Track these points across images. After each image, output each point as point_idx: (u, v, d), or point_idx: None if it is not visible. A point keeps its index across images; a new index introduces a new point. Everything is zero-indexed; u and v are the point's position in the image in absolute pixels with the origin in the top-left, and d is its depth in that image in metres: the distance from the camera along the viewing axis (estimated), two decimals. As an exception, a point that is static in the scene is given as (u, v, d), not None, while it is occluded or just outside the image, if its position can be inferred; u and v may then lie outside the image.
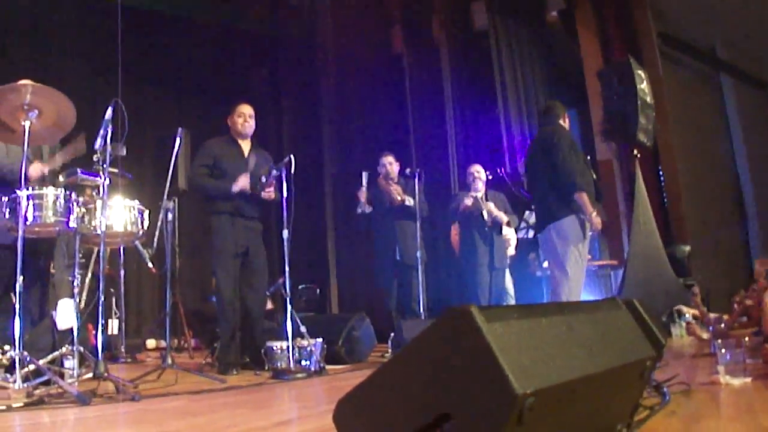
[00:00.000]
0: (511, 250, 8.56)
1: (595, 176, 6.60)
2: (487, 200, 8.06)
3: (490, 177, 8.21)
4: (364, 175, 7.84)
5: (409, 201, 7.61)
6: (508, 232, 8.45)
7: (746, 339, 4.61)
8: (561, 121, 6.57)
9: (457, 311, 1.50)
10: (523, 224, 8.70)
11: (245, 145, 6.51)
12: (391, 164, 7.90)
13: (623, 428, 2.19)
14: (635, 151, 8.98)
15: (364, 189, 7.82)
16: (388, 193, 7.75)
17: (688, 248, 9.30)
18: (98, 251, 7.40)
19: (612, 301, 2.25)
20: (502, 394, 1.38)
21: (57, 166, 5.52)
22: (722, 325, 5.99)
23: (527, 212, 8.80)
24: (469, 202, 7.95)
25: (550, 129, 6.52)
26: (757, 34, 12.61)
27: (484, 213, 7.98)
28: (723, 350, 3.80)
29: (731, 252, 10.32)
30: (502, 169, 8.82)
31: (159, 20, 11.09)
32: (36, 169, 5.19)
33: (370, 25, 12.42)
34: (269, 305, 7.94)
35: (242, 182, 6.15)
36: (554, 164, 6.20)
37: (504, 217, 8.05)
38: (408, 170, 7.76)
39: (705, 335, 6.26)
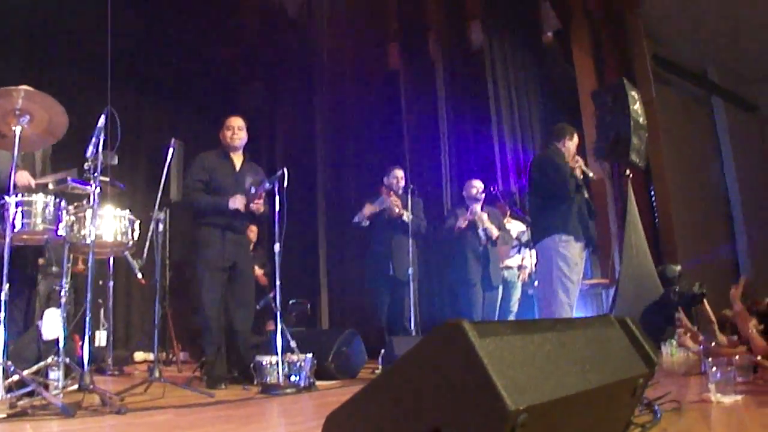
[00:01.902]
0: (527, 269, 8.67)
1: (587, 194, 6.66)
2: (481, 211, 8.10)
3: (484, 195, 8.22)
4: (384, 199, 7.82)
5: (407, 216, 7.60)
6: (524, 260, 8.61)
7: (737, 357, 4.61)
8: (560, 143, 6.68)
9: (450, 326, 1.48)
10: (515, 242, 8.69)
11: (237, 159, 6.46)
12: (399, 179, 7.93)
13: (615, 447, 2.17)
14: (627, 171, 8.99)
15: (374, 207, 7.80)
16: (389, 204, 7.74)
17: (678, 267, 9.30)
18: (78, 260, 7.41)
19: (605, 319, 2.24)
20: (495, 410, 1.36)
21: (48, 183, 5.47)
22: (713, 344, 5.98)
23: (519, 231, 8.81)
24: (463, 224, 7.97)
25: (546, 151, 6.78)
26: (748, 57, 12.74)
27: (480, 231, 7.99)
28: (714, 368, 3.80)
29: (721, 271, 10.35)
30: (495, 187, 8.81)
31: (154, 29, 11.07)
32: (23, 178, 5.13)
33: (367, 41, 12.46)
34: (269, 326, 7.92)
35: (239, 202, 6.10)
36: (547, 180, 6.37)
37: (495, 231, 8.07)
38: (404, 186, 7.82)
39: (694, 346, 6.26)
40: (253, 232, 8.55)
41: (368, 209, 7.82)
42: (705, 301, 7.89)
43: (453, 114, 11.41)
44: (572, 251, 6.35)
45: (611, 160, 9.44)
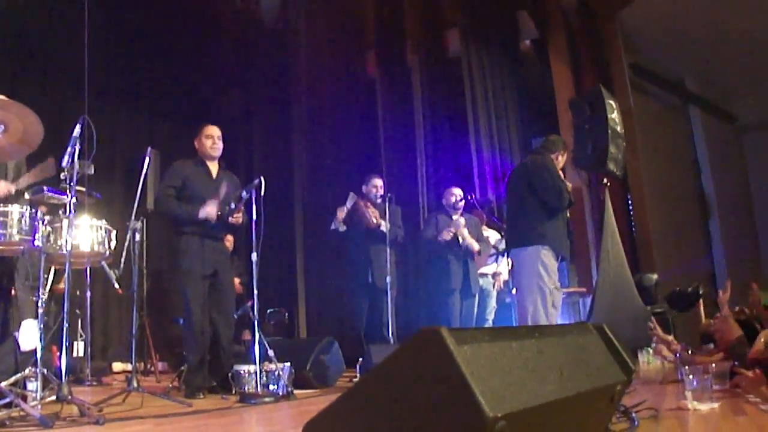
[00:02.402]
0: (503, 278, 8.70)
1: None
2: (464, 222, 8.12)
3: (463, 203, 8.23)
4: (351, 196, 7.84)
5: (385, 227, 7.60)
6: (499, 268, 8.64)
7: (713, 365, 4.63)
8: (555, 156, 6.83)
9: (428, 333, 1.48)
10: (492, 251, 8.71)
11: (213, 168, 6.45)
12: (378, 188, 7.93)
13: (593, 454, 2.18)
14: (605, 180, 9.02)
15: (346, 209, 7.80)
16: (365, 216, 7.74)
17: (655, 276, 9.34)
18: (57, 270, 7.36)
19: (582, 326, 2.25)
20: (473, 418, 1.36)
21: (23, 187, 5.44)
22: (689, 352, 6.01)
23: (496, 239, 8.83)
24: (448, 237, 7.97)
25: (540, 157, 6.81)
26: (726, 67, 12.83)
27: (460, 238, 8.01)
28: (690, 376, 3.82)
29: (698, 281, 10.42)
30: (472, 195, 8.81)
31: (129, 37, 11.03)
32: (1, 188, 5.10)
33: (344, 49, 12.44)
34: (246, 335, 7.89)
35: (209, 210, 6.07)
36: (543, 187, 6.46)
37: (475, 246, 8.10)
38: (382, 194, 7.83)
39: (670, 355, 6.29)
40: (229, 241, 8.52)
41: (340, 213, 7.82)
42: (701, 302, 7.89)
43: (430, 122, 11.43)
44: (551, 261, 6.47)
45: (588, 168, 9.46)
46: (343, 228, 7.85)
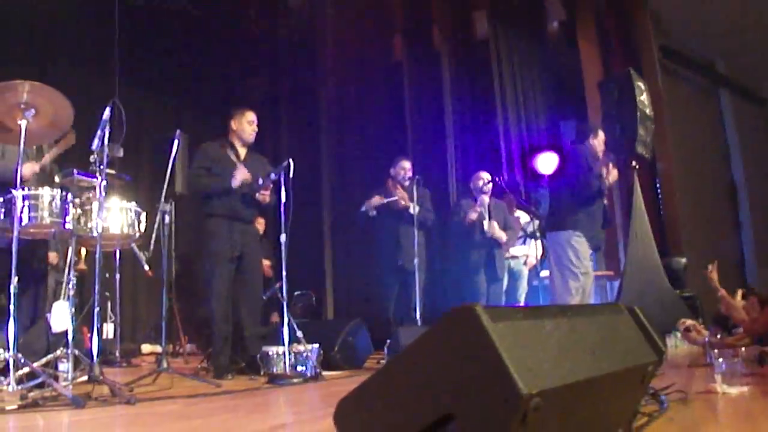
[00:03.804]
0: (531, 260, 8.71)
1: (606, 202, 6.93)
2: (489, 211, 8.10)
3: (491, 186, 8.21)
4: (396, 198, 7.83)
5: (414, 209, 7.59)
6: (526, 251, 8.67)
7: (743, 349, 4.61)
8: (589, 141, 6.93)
9: (463, 310, 1.48)
10: (521, 233, 8.69)
11: (242, 150, 6.49)
12: (406, 170, 7.92)
13: (623, 434, 2.17)
14: (633, 163, 8.95)
15: (384, 201, 7.80)
16: (397, 203, 7.75)
17: (684, 260, 9.29)
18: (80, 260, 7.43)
19: (614, 306, 2.24)
20: (507, 395, 1.36)
21: (48, 162, 5.47)
22: (718, 336, 6.00)
23: (525, 222, 8.81)
24: (474, 216, 7.97)
25: (574, 147, 7.12)
26: (756, 49, 12.66)
27: (485, 223, 7.99)
28: (720, 360, 3.80)
29: (727, 264, 10.31)
30: (501, 178, 8.79)
31: (158, 22, 11.07)
32: (27, 169, 5.14)
33: (371, 33, 12.41)
34: (274, 317, 7.92)
35: (240, 175, 6.11)
36: (571, 177, 6.67)
37: (503, 237, 8.09)
38: (411, 177, 7.83)
39: (699, 338, 6.27)
40: (261, 224, 8.56)
41: (377, 200, 7.81)
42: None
43: (458, 105, 11.39)
44: (583, 246, 6.70)
45: (617, 151, 9.40)
46: (373, 213, 7.84)
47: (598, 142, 7.07)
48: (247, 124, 6.42)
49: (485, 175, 8.24)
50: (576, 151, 6.98)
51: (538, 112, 10.97)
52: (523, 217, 8.92)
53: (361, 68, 12.50)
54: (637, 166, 8.98)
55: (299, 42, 13.19)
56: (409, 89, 12.04)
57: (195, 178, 6.36)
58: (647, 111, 8.80)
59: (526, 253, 8.74)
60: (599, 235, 6.94)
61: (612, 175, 6.89)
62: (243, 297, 6.24)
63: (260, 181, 6.13)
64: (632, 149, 8.66)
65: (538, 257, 8.44)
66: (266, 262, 8.70)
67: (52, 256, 6.63)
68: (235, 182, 6.11)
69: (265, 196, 6.22)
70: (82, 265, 8.01)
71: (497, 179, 8.39)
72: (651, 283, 8.49)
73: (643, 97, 8.75)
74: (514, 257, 8.66)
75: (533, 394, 1.36)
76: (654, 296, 8.32)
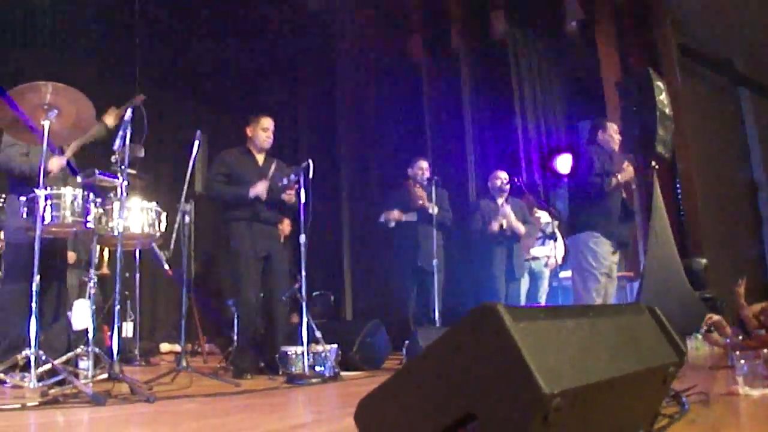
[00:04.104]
0: (553, 261, 8.70)
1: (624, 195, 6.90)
2: (509, 210, 8.10)
3: (509, 186, 8.21)
4: (413, 215, 7.84)
5: (433, 209, 7.59)
6: (547, 252, 8.66)
7: (765, 351, 4.58)
8: (598, 137, 7.09)
9: (484, 309, 1.48)
10: (539, 233, 8.68)
11: (260, 157, 6.53)
12: (424, 170, 7.92)
13: (644, 435, 2.17)
14: (653, 163, 8.91)
15: (402, 217, 7.81)
16: (413, 196, 7.75)
17: (704, 261, 9.24)
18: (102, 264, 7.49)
19: (636, 306, 2.23)
20: (529, 394, 1.36)
21: (74, 151, 5.49)
22: (739, 338, 5.97)
23: (544, 222, 8.80)
24: (496, 227, 7.96)
25: (590, 146, 7.10)
26: (775, 47, 12.57)
27: (504, 223, 7.99)
28: (741, 361, 3.77)
29: (747, 265, 10.25)
30: (520, 178, 8.78)
31: (178, 23, 11.13)
32: (54, 163, 5.17)
33: (389, 33, 12.42)
34: (293, 317, 7.96)
35: (260, 188, 6.16)
36: (578, 177, 6.71)
37: (521, 228, 8.07)
38: (429, 177, 7.83)
39: (721, 340, 6.25)
40: (287, 225, 8.59)
41: (397, 215, 7.81)
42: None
43: (476, 105, 11.40)
44: (602, 248, 6.70)
45: (636, 151, 9.36)
46: (392, 224, 7.86)
47: (609, 136, 7.07)
48: (261, 131, 6.46)
49: (503, 175, 8.24)
50: (584, 152, 7.00)
51: (557, 111, 10.95)
52: (543, 217, 8.91)
53: (380, 69, 12.52)
54: (656, 166, 8.94)
55: (318, 43, 13.22)
56: (428, 89, 12.06)
57: (212, 185, 6.42)
58: (666, 110, 8.75)
59: (547, 254, 8.73)
60: (621, 231, 6.91)
61: (627, 172, 6.86)
62: (272, 297, 6.28)
63: (284, 181, 6.16)
64: (652, 149, 8.62)
65: (558, 258, 8.44)
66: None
67: (71, 256, 6.68)
68: (253, 192, 6.15)
69: (291, 195, 6.24)
70: (104, 269, 8.08)
71: (516, 179, 8.38)
72: (671, 283, 8.44)
73: (663, 97, 8.70)
74: (535, 258, 8.66)
75: (555, 393, 1.36)
76: (674, 297, 8.26)
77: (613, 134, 7.13)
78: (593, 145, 7.07)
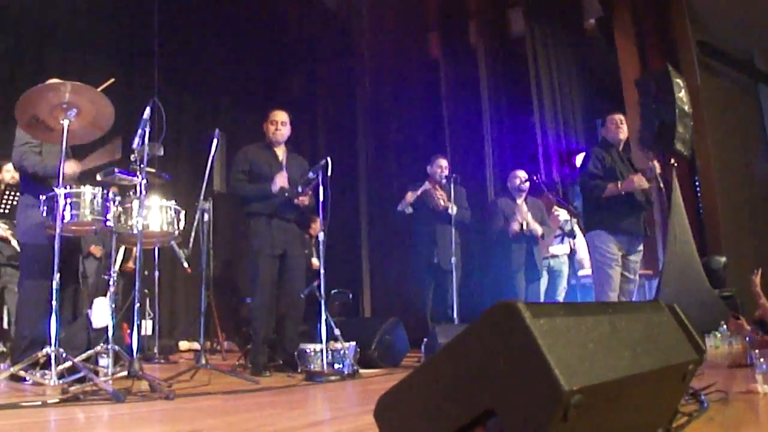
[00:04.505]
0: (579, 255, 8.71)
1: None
2: (526, 209, 8.09)
3: (528, 185, 8.19)
4: (426, 184, 7.86)
5: (452, 209, 7.59)
6: (566, 250, 8.67)
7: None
8: (601, 133, 7.09)
9: (503, 307, 1.48)
10: (558, 232, 8.66)
11: (280, 152, 6.55)
12: (443, 168, 7.93)
13: (663, 432, 2.16)
14: (672, 161, 8.87)
15: (417, 193, 7.81)
16: (433, 197, 7.75)
17: (723, 259, 9.18)
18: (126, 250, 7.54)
19: (655, 304, 2.22)
20: (549, 391, 1.36)
21: (90, 167, 5.53)
22: (758, 335, 5.94)
23: (563, 220, 8.78)
24: (516, 228, 7.96)
25: (593, 147, 7.16)
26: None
27: (523, 224, 7.98)
28: (761, 360, 3.75)
29: (767, 263, 10.20)
30: (538, 176, 8.76)
31: (197, 21, 11.17)
32: (70, 167, 5.20)
33: (407, 30, 12.44)
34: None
35: (280, 180, 6.17)
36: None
37: (539, 230, 8.06)
38: (447, 175, 7.82)
39: (747, 329, 6.23)
40: (316, 222, 8.62)
41: (410, 196, 7.83)
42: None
43: (495, 102, 11.40)
44: (608, 245, 6.70)
45: (655, 149, 9.32)
46: (409, 210, 7.87)
47: (612, 127, 7.05)
48: (270, 125, 6.49)
49: (522, 174, 8.22)
50: (587, 152, 7.03)
51: (575, 109, 10.92)
52: (562, 214, 8.89)
53: (398, 66, 12.52)
54: (676, 164, 8.90)
55: (336, 41, 13.24)
56: (446, 86, 12.06)
57: (235, 183, 6.45)
58: (686, 108, 8.71)
59: (566, 252, 8.72)
60: (629, 222, 6.85)
61: (635, 182, 6.79)
62: (286, 295, 6.29)
63: (299, 188, 6.18)
64: (671, 146, 8.58)
65: (581, 253, 8.45)
66: (315, 261, 8.76)
67: (97, 249, 6.73)
68: (275, 187, 6.17)
69: (303, 200, 6.26)
70: (131, 264, 8.12)
71: (534, 178, 8.36)
72: (690, 282, 8.40)
73: (682, 94, 8.66)
74: (554, 256, 8.64)
75: (574, 390, 1.35)
76: (693, 295, 8.22)
77: (618, 124, 7.08)
78: (596, 145, 7.08)
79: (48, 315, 4.17)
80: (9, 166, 6.91)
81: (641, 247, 6.99)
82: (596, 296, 6.86)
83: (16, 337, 5.31)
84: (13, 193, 6.91)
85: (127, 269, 7.97)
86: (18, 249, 5.97)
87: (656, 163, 6.79)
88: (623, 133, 7.03)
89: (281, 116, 6.51)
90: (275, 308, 6.27)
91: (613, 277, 6.65)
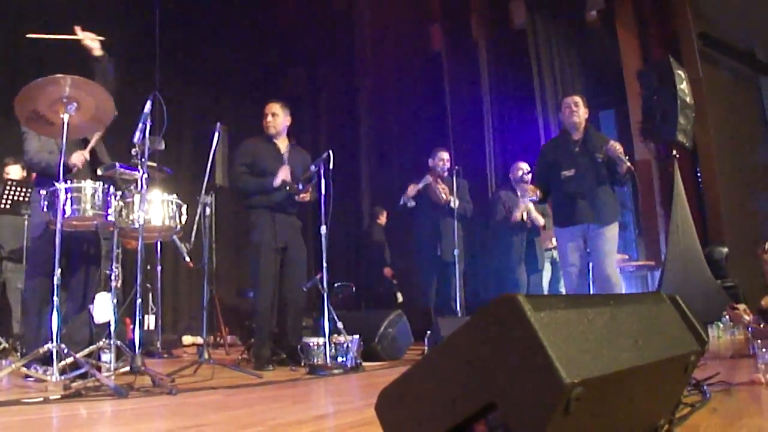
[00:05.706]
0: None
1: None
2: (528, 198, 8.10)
3: (530, 176, 8.19)
4: (426, 178, 7.86)
5: (454, 202, 7.60)
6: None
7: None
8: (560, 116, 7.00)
9: (504, 300, 1.48)
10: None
11: (281, 144, 6.53)
12: (444, 161, 7.93)
13: (665, 423, 2.16)
14: (674, 152, 8.87)
15: (419, 186, 7.82)
16: (436, 192, 7.76)
17: (725, 249, 9.19)
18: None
19: (656, 295, 2.22)
20: (550, 383, 1.35)
21: (96, 143, 5.50)
22: (761, 326, 5.94)
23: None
24: (519, 215, 7.96)
25: None
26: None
27: (526, 214, 7.99)
28: (763, 350, 3.75)
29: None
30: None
31: (198, 15, 11.15)
32: (78, 157, 5.20)
33: (409, 23, 12.44)
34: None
35: (282, 174, 6.16)
36: None
37: (541, 220, 8.07)
38: (449, 168, 7.83)
39: (747, 319, 6.22)
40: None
41: (412, 189, 7.85)
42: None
43: (497, 94, 11.40)
44: (560, 240, 6.72)
45: (657, 140, 9.32)
46: (412, 204, 7.87)
47: (564, 114, 6.76)
48: (263, 118, 6.46)
49: (524, 166, 8.23)
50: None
51: (577, 101, 10.91)
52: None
53: (400, 58, 12.53)
54: (677, 155, 8.90)
55: (338, 33, 13.23)
56: (448, 79, 12.06)
57: (237, 176, 6.42)
58: (687, 99, 8.72)
59: None
60: (564, 214, 6.64)
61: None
62: (287, 288, 6.29)
63: (300, 186, 6.17)
64: (673, 138, 8.58)
65: None
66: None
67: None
68: (277, 181, 6.15)
69: (304, 197, 6.26)
70: (134, 243, 8.08)
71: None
72: (692, 272, 8.41)
73: (683, 86, 8.67)
74: (556, 247, 8.66)
75: (576, 383, 1.35)
76: (695, 286, 8.24)
77: (573, 108, 6.63)
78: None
79: (50, 310, 4.16)
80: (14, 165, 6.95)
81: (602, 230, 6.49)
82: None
83: (27, 331, 5.31)
84: (19, 189, 6.92)
85: (130, 247, 7.91)
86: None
87: (616, 145, 6.38)
88: (578, 117, 6.60)
89: (271, 108, 6.47)
90: (277, 301, 6.26)
91: (572, 276, 6.59)
